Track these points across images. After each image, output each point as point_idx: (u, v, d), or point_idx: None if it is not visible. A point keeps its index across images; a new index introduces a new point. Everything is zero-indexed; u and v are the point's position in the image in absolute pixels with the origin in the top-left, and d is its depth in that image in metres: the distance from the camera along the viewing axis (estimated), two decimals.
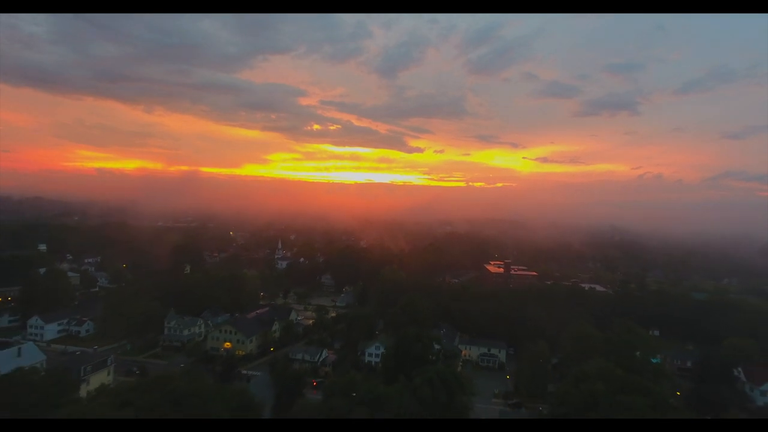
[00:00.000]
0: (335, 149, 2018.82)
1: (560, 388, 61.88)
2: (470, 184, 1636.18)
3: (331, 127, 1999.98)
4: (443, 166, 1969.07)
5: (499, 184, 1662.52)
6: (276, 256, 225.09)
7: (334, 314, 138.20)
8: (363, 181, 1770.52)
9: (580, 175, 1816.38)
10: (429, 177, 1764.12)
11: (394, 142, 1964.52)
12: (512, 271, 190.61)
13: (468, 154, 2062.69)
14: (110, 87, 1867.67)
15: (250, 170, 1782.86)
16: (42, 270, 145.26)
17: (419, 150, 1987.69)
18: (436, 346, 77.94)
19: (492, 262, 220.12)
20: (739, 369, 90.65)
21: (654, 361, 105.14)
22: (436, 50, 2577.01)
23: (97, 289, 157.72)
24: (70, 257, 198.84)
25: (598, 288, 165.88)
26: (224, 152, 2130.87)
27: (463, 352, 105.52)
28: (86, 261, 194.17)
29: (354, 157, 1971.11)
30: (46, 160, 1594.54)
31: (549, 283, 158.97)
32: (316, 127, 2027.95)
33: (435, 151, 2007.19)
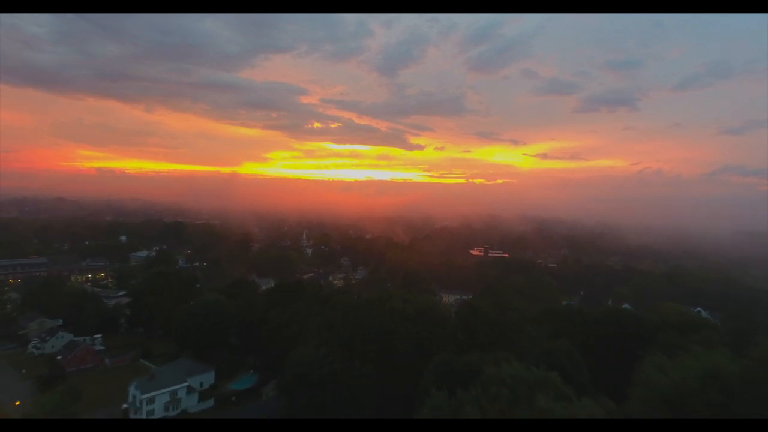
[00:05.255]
0: (336, 147, 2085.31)
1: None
2: (470, 180, 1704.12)
3: (332, 125, 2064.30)
4: (443, 163, 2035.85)
5: (500, 181, 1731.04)
6: (302, 245, 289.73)
7: (354, 282, 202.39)
8: (363, 178, 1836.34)
9: (579, 171, 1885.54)
10: (429, 174, 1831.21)
11: (395, 139, 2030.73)
12: (489, 254, 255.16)
13: (468, 151, 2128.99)
14: (111, 86, 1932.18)
15: (250, 168, 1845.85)
16: (141, 253, 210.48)
17: (420, 147, 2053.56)
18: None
19: (476, 248, 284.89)
20: (610, 302, 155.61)
21: (568, 303, 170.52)
22: (437, 48, 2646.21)
23: (178, 267, 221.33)
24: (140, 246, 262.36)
25: (551, 264, 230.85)
26: (225, 150, 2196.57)
27: (444, 298, 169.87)
28: (154, 249, 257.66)
29: (354, 155, 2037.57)
30: (46, 160, 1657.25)
31: (511, 259, 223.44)
32: (316, 125, 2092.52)
33: (435, 149, 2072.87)
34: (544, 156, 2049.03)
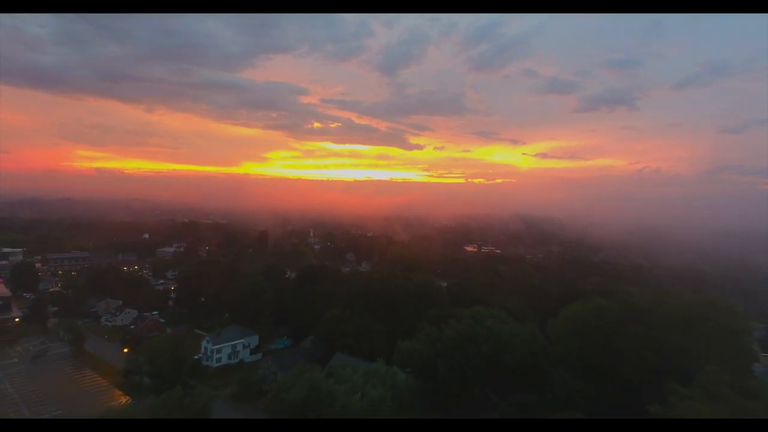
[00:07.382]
0: (335, 147, 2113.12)
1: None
2: (470, 180, 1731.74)
3: (332, 125, 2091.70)
4: (443, 162, 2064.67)
5: (499, 180, 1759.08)
6: (309, 242, 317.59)
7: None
8: (363, 178, 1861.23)
9: (579, 170, 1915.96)
10: (429, 174, 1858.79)
11: (395, 139, 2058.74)
12: (482, 250, 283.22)
13: (468, 151, 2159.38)
14: (112, 87, 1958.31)
15: (250, 168, 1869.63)
16: (167, 249, 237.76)
17: (419, 147, 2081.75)
18: None
19: (471, 245, 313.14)
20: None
21: None
22: (437, 48, 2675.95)
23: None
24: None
25: (538, 259, 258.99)
26: (225, 150, 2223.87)
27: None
28: (176, 245, 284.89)
29: (354, 155, 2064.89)
30: (47, 161, 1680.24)
31: (502, 254, 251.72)
32: (316, 125, 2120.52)
33: (435, 148, 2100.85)
34: (543, 155, 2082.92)
